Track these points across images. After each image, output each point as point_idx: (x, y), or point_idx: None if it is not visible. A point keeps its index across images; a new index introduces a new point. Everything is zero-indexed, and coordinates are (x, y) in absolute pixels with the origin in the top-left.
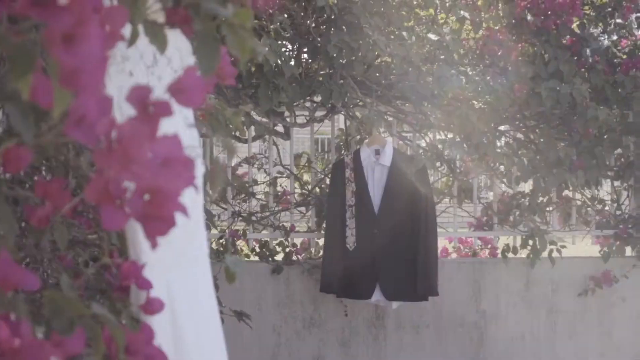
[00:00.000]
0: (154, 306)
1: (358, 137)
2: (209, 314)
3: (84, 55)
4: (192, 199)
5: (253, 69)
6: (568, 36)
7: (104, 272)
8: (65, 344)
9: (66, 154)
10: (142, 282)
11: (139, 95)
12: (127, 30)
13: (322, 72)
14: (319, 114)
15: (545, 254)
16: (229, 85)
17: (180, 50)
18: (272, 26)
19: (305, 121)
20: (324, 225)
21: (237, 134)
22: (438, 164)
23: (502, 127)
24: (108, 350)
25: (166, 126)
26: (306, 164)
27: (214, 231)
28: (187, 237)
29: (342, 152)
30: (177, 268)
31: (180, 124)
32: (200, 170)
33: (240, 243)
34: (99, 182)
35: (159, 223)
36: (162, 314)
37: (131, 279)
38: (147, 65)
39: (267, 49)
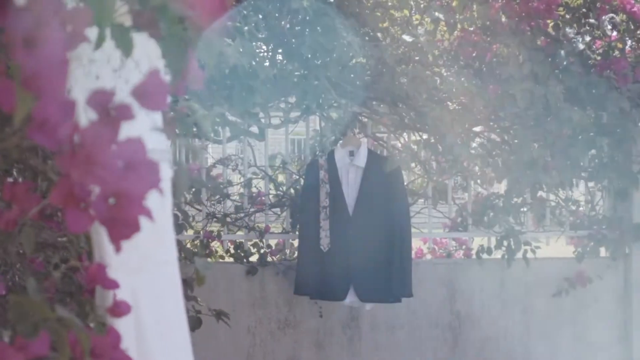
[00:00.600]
0: (120, 309)
1: (332, 138)
2: (174, 319)
3: (43, 58)
4: (160, 202)
5: (227, 70)
6: (542, 38)
7: (73, 274)
8: (29, 348)
9: (34, 158)
10: (108, 283)
11: (101, 99)
12: (93, 33)
13: (296, 73)
14: (293, 115)
15: (519, 254)
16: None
17: (149, 54)
18: (246, 27)
19: (279, 122)
20: (298, 226)
21: (212, 135)
22: (413, 164)
23: (476, 128)
24: (73, 354)
25: (132, 129)
26: (281, 165)
27: (189, 232)
28: (153, 241)
29: (317, 153)
30: (143, 272)
31: (146, 127)
32: (167, 173)
33: (215, 244)
34: (64, 186)
35: (123, 227)
36: (126, 319)
37: (97, 281)
38: (114, 68)
39: (240, 49)
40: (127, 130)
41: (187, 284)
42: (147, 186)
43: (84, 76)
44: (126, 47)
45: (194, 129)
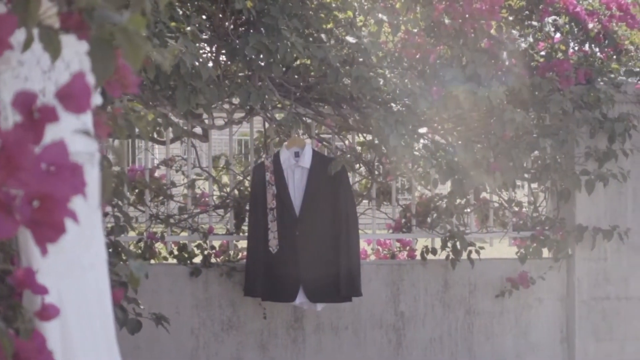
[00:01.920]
0: (49, 312)
1: (277, 139)
2: (100, 321)
3: None
4: (86, 205)
5: (169, 70)
6: (485, 39)
7: (5, 277)
8: None
9: None
10: (36, 288)
11: (24, 101)
12: (22, 34)
13: (240, 74)
14: (237, 116)
15: (463, 255)
16: (146, 87)
17: (79, 55)
18: (188, 28)
19: (223, 123)
20: (246, 228)
21: (155, 135)
22: (357, 165)
23: (420, 130)
24: None
25: (59, 131)
26: (224, 166)
27: (131, 233)
28: (81, 245)
29: (262, 154)
30: (70, 276)
31: (74, 129)
32: (94, 176)
33: (158, 245)
34: None
35: (48, 230)
36: (53, 323)
37: (26, 285)
38: (43, 70)
39: (183, 49)
40: (53, 132)
41: (127, 285)
42: (71, 189)
43: (12, 78)
44: (54, 50)
45: (136, 130)
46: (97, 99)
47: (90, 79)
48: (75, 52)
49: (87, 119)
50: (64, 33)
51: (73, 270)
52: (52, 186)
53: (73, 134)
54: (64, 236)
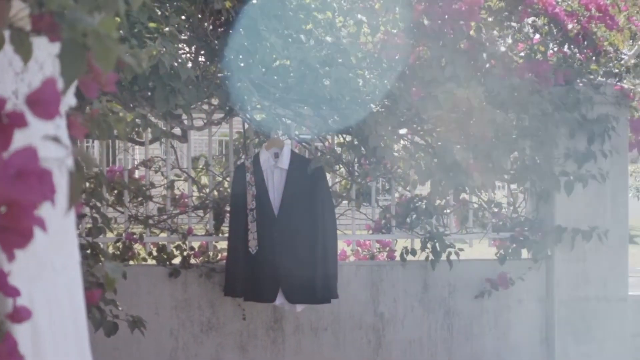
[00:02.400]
0: (21, 314)
1: (256, 140)
2: (72, 324)
3: None
4: (57, 209)
5: (148, 71)
6: (465, 40)
7: None
8: None
9: None
10: (8, 290)
11: None
12: None
13: (219, 75)
14: (216, 116)
15: (443, 256)
16: (125, 87)
17: (52, 56)
18: (167, 28)
19: (202, 124)
20: (225, 229)
21: (134, 136)
22: (337, 166)
23: (400, 131)
24: None
25: (29, 137)
26: (204, 167)
27: (110, 234)
28: (53, 248)
29: (241, 155)
30: (41, 279)
31: (41, 135)
32: (64, 181)
33: (137, 246)
34: None
35: (16, 236)
36: (24, 327)
37: None
38: (16, 72)
39: (162, 50)
40: (25, 137)
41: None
42: (39, 195)
43: None
44: (25, 52)
45: (114, 131)
46: (71, 100)
47: (61, 83)
48: (48, 53)
49: (61, 123)
50: (36, 35)
51: (44, 273)
52: (20, 192)
53: (44, 139)
54: (33, 241)
